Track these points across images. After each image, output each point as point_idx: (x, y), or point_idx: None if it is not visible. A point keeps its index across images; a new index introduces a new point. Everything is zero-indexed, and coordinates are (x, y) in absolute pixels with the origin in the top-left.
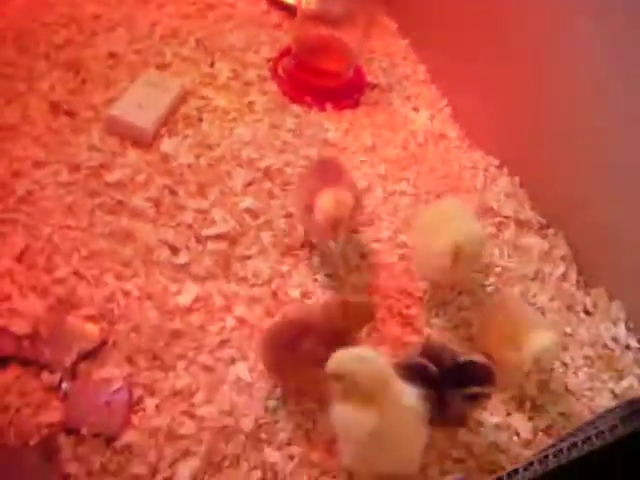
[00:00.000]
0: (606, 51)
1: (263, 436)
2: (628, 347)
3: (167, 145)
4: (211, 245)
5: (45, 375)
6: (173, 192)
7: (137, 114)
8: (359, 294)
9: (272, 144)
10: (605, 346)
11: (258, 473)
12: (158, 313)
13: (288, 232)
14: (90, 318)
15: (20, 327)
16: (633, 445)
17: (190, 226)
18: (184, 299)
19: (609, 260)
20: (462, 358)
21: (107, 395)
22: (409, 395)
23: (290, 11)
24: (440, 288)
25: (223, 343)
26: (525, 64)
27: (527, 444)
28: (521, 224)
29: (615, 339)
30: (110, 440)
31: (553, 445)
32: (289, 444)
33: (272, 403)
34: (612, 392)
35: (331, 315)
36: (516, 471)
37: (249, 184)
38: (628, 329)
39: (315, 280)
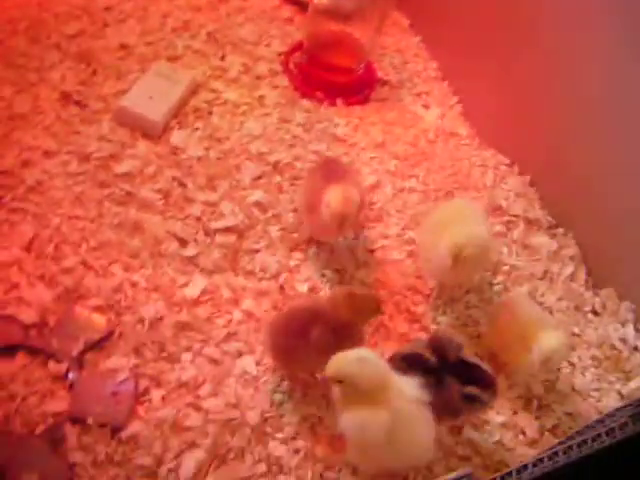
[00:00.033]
0: (620, 51)
1: (268, 430)
2: (636, 348)
3: (177, 137)
4: (219, 238)
5: (52, 364)
6: (182, 184)
7: (147, 106)
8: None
9: (282, 138)
10: (613, 347)
11: (263, 466)
12: (165, 305)
13: (296, 227)
14: (97, 308)
15: (28, 316)
16: None
17: (199, 219)
18: (191, 291)
19: (618, 261)
20: (469, 359)
21: (113, 386)
22: (411, 389)
23: (301, 5)
24: (447, 286)
25: (230, 336)
26: (537, 63)
27: (533, 443)
28: (530, 223)
29: (623, 340)
30: (116, 430)
31: (563, 442)
32: (294, 438)
33: (278, 397)
34: (619, 393)
35: (337, 306)
36: (525, 467)
37: (258, 178)
38: (637, 330)
39: (323, 275)
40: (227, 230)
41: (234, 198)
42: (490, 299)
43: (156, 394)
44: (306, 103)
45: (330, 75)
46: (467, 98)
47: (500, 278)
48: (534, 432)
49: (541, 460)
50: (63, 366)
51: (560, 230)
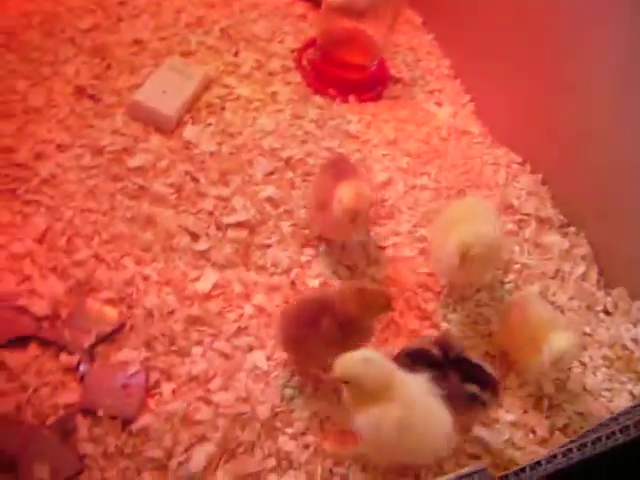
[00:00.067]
0: (634, 50)
1: (278, 424)
2: None
3: (190, 132)
4: (231, 233)
5: (63, 356)
6: (194, 179)
7: (161, 100)
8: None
9: (294, 134)
10: (624, 347)
11: (272, 461)
12: (176, 299)
13: (308, 223)
14: (109, 301)
15: (40, 308)
16: None
17: (211, 213)
18: (203, 286)
19: (630, 260)
20: (472, 359)
21: (124, 378)
22: (420, 384)
23: (315, 2)
24: (457, 285)
25: (241, 330)
26: (550, 62)
27: (543, 442)
28: (542, 222)
29: (635, 340)
30: (126, 423)
31: (577, 439)
32: (304, 433)
33: (289, 392)
34: (631, 393)
35: (346, 301)
36: (539, 463)
37: (270, 173)
38: None
39: (334, 271)
40: (239, 225)
41: (246, 193)
42: (501, 297)
43: (167, 387)
44: (319, 99)
45: (343, 72)
46: (479, 96)
47: (511, 277)
48: (544, 431)
49: (555, 456)
50: (74, 358)
51: (572, 229)
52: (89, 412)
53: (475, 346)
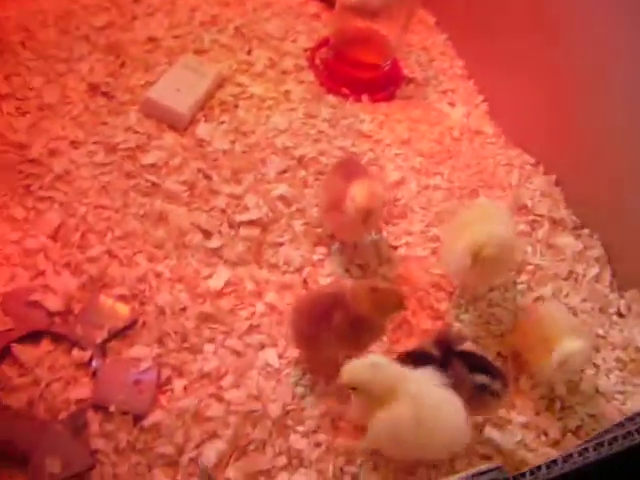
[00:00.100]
0: None
1: (290, 422)
2: None
3: (203, 130)
4: (243, 231)
5: (76, 352)
6: (207, 177)
7: (174, 98)
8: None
9: (307, 133)
10: (638, 349)
11: (283, 459)
12: (189, 296)
13: (320, 222)
14: (121, 297)
15: (53, 303)
16: None
17: (223, 211)
18: (215, 283)
19: None
20: (475, 351)
21: (136, 374)
22: (428, 378)
23: (328, 2)
24: (469, 286)
25: (252, 328)
26: (564, 63)
27: (555, 444)
28: (555, 223)
29: None
30: (138, 419)
31: (593, 439)
32: (315, 432)
33: (300, 390)
34: None
35: (358, 299)
36: (555, 462)
37: (283, 172)
38: None
39: (346, 270)
40: (251, 223)
41: (259, 191)
42: (513, 298)
43: (178, 384)
44: (332, 99)
45: (356, 71)
46: (493, 97)
47: (524, 277)
48: (556, 433)
49: (571, 456)
50: (87, 354)
51: (585, 231)
52: (101, 407)
53: (487, 346)
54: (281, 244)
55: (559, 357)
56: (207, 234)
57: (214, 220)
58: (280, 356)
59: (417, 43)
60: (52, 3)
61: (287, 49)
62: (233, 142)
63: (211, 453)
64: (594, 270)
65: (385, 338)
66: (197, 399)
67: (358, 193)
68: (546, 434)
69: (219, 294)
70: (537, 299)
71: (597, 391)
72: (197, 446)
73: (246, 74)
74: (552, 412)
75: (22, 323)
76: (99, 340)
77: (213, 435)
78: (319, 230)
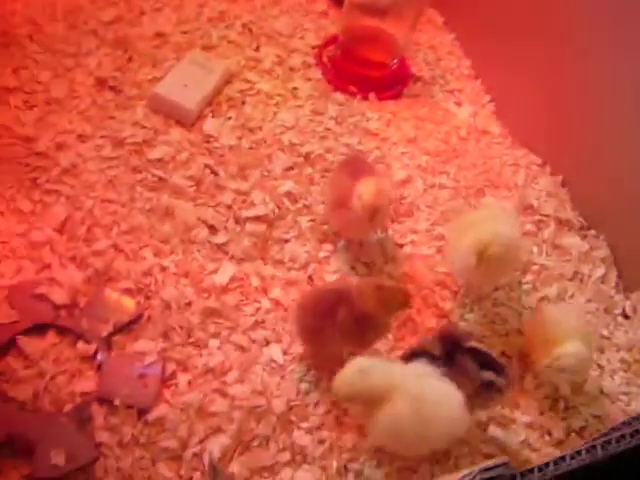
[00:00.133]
0: None
1: (294, 418)
2: None
3: (210, 125)
4: (249, 226)
5: (81, 345)
6: (214, 172)
7: (182, 94)
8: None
9: (314, 130)
10: None
11: (287, 455)
12: (194, 291)
13: (326, 219)
14: (127, 291)
15: (59, 296)
16: None
17: (229, 207)
18: (220, 278)
19: None
20: (479, 347)
21: (141, 368)
22: (420, 369)
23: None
24: (474, 286)
25: (257, 324)
26: (571, 63)
27: (559, 444)
28: (561, 223)
29: None
30: (142, 412)
31: (600, 436)
32: (319, 428)
33: (304, 386)
34: None
35: (364, 297)
36: (563, 458)
37: (290, 168)
38: None
39: (352, 268)
40: (257, 219)
41: (265, 187)
42: (519, 298)
43: (183, 378)
44: (339, 96)
45: (364, 69)
46: (500, 97)
47: (529, 277)
48: (560, 433)
49: (579, 452)
50: (92, 347)
51: (592, 232)
52: (105, 401)
53: (492, 346)
54: (287, 240)
55: (556, 361)
56: (213, 229)
57: (220, 216)
58: (285, 352)
59: (425, 42)
60: None
61: (295, 46)
62: (240, 138)
63: (215, 448)
64: (600, 271)
65: (390, 336)
66: (201, 394)
67: (365, 191)
68: (550, 434)
69: (224, 289)
70: (542, 299)
71: (602, 392)
72: (201, 441)
73: (254, 71)
74: (556, 412)
75: (28, 315)
76: (104, 333)
77: (217, 430)
78: (325, 227)
